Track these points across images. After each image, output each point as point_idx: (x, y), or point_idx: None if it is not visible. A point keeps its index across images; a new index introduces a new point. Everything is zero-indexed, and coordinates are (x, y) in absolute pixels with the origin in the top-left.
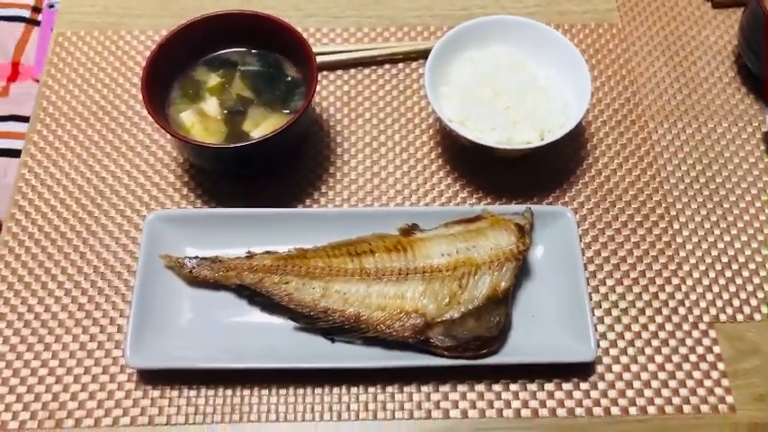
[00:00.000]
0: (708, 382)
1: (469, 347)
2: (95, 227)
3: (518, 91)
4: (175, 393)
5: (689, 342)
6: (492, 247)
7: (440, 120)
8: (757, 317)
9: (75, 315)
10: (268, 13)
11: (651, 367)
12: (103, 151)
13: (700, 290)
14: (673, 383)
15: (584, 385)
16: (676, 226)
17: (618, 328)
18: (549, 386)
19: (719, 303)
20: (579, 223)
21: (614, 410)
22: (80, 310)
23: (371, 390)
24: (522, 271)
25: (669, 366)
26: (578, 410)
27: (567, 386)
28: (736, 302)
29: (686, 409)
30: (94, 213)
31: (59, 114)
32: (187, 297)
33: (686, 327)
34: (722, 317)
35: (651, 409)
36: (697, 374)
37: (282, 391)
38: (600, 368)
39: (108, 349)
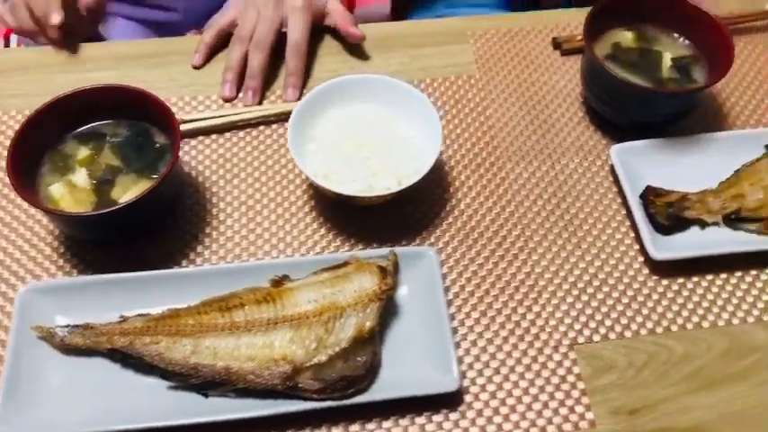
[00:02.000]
0: (569, 402)
1: (337, 388)
2: None
3: (378, 143)
4: None
5: (551, 365)
6: (356, 289)
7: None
8: (612, 336)
9: None
10: (132, 85)
11: (516, 392)
12: None
13: (559, 315)
14: (537, 405)
15: (453, 415)
16: (535, 257)
17: (484, 357)
18: (420, 419)
19: (577, 326)
20: (445, 261)
21: None
22: None
23: None
24: (390, 311)
25: (533, 390)
26: None
27: (437, 418)
28: (592, 324)
29: (549, 429)
30: None
31: None
32: (61, 365)
33: (548, 351)
34: (580, 338)
35: None
36: (559, 395)
37: None
38: (468, 397)
39: None
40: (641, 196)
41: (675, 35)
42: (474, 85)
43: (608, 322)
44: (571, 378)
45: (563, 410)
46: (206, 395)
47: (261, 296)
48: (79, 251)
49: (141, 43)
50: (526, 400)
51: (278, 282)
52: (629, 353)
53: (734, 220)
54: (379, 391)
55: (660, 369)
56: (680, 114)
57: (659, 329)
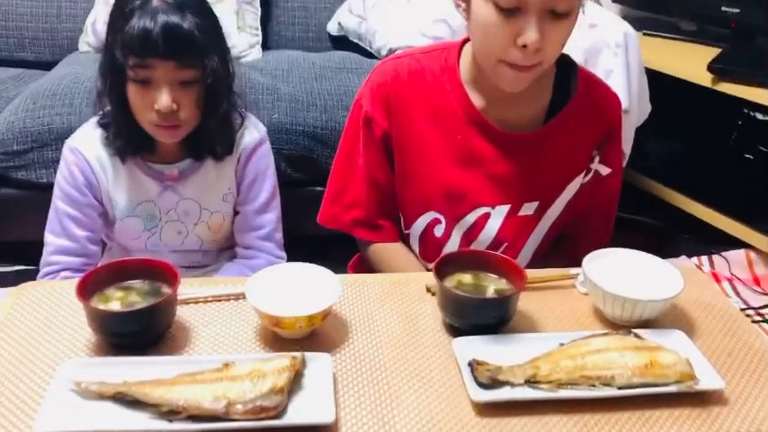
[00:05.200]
0: None
1: (254, 412)
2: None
3: (298, 297)
4: None
5: None
6: (275, 365)
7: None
8: None
9: None
10: (153, 258)
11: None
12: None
13: None
14: None
15: None
16: (393, 403)
17: (356, 414)
18: None
19: None
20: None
21: None
22: None
23: None
24: (299, 381)
25: None
26: None
27: None
28: None
29: None
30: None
31: None
32: (81, 402)
33: None
34: None
35: None
36: None
37: None
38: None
39: None
40: (468, 364)
41: (497, 276)
42: (372, 307)
43: None
44: None
45: None
46: (170, 421)
47: (215, 368)
48: (105, 348)
49: None
50: None
51: (227, 364)
52: None
53: (533, 383)
54: (283, 420)
55: None
56: (501, 320)
57: None
